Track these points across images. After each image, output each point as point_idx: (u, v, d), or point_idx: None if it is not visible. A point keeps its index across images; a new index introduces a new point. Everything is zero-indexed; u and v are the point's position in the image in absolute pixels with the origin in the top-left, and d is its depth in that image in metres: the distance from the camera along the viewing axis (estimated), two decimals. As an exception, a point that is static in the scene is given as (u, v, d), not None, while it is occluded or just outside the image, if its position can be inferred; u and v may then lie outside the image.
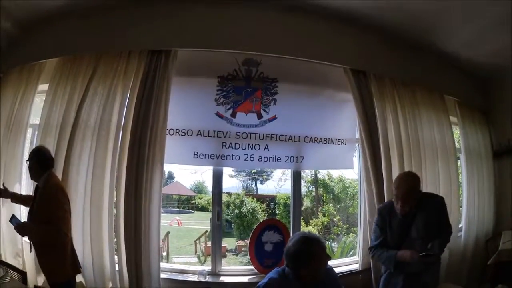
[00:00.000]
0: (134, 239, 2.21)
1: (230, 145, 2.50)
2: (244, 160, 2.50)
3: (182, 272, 2.57)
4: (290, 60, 2.59)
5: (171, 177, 7.42)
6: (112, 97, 2.39)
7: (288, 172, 3.05)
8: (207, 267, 2.62)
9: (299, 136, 2.62)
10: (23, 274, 1.97)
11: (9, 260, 2.36)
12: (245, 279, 2.53)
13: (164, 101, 2.35)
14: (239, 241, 3.07)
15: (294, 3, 2.51)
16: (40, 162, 1.90)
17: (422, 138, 2.98)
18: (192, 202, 7.52)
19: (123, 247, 2.24)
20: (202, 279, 2.45)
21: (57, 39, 2.65)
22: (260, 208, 4.12)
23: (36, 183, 1.96)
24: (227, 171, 3.27)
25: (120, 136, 2.34)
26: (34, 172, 1.91)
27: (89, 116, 2.37)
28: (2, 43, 3.04)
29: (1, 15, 2.78)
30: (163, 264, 2.69)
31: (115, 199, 2.35)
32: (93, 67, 2.47)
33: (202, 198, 7.55)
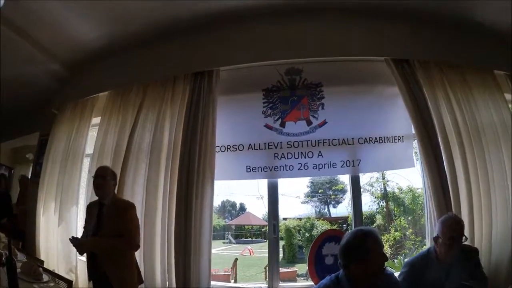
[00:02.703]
0: (183, 257, 2.17)
1: (283, 156, 2.37)
2: (298, 169, 2.36)
3: None
4: (331, 63, 2.46)
5: (242, 208, 7.58)
6: (161, 122, 2.42)
7: None
8: (264, 284, 2.48)
9: (352, 139, 2.43)
10: (69, 282, 1.96)
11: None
12: None
13: (211, 119, 2.33)
14: None
15: (325, 4, 2.39)
16: (115, 180, 1.99)
17: (480, 123, 2.64)
18: (263, 230, 7.53)
19: (173, 263, 2.22)
20: None
21: (106, 74, 2.77)
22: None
23: (90, 202, 2.04)
24: (298, 199, 3.13)
25: (171, 157, 2.33)
26: (107, 190, 1.91)
27: (142, 141, 2.41)
28: (54, 83, 3.20)
29: (49, 58, 2.93)
30: (220, 283, 2.60)
31: (167, 217, 2.32)
32: (141, 96, 2.55)
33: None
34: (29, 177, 3.46)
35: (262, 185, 2.51)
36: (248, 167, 2.37)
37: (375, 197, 3.00)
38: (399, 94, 2.47)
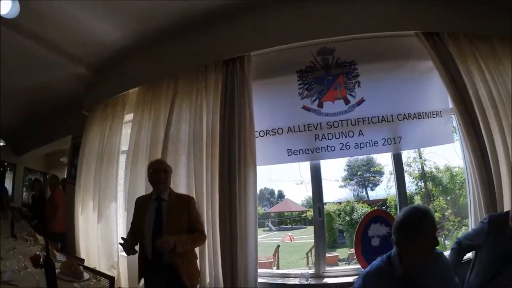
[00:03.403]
0: (229, 246, 2.13)
1: (323, 137, 2.30)
2: (340, 149, 2.29)
3: (284, 276, 2.36)
4: (363, 41, 2.38)
5: (281, 195, 7.43)
6: (198, 111, 2.37)
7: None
8: (310, 270, 2.38)
9: (391, 116, 2.34)
10: (111, 278, 1.90)
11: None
12: (350, 279, 2.24)
13: (248, 105, 2.26)
14: (351, 249, 2.79)
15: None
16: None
17: (514, 93, 2.59)
18: (303, 216, 7.44)
19: (219, 252, 2.18)
20: (304, 282, 2.23)
21: (134, 71, 2.74)
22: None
23: (140, 197, 1.97)
24: (336, 183, 3.07)
25: (211, 146, 2.28)
26: (168, 185, 1.87)
27: (179, 132, 2.37)
28: (81, 86, 3.20)
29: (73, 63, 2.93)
30: (264, 270, 2.51)
31: (211, 206, 2.27)
32: (173, 88, 2.48)
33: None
34: (65, 179, 3.46)
35: (303, 169, 2.45)
36: (289, 150, 2.30)
37: (413, 177, 2.89)
38: (432, 68, 2.40)
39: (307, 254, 5.10)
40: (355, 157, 3.22)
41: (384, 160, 2.66)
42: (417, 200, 3.49)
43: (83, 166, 2.79)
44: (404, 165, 2.71)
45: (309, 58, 2.39)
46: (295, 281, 2.27)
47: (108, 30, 2.60)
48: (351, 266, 2.47)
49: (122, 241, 1.79)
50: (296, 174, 2.72)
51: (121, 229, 2.52)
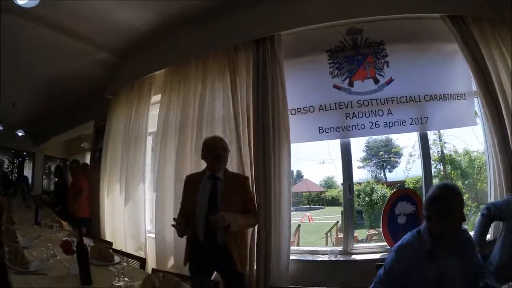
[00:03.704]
0: (264, 224, 2.10)
1: (354, 115, 2.31)
2: (370, 128, 2.30)
3: (313, 253, 2.38)
4: (390, 22, 2.38)
5: (299, 175, 7.26)
6: (230, 90, 2.34)
7: (415, 154, 2.79)
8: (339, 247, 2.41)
9: (418, 96, 2.36)
10: (141, 260, 1.90)
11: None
12: (377, 256, 2.26)
13: (281, 84, 2.26)
14: (370, 230, 2.78)
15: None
16: None
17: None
18: (322, 196, 7.40)
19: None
20: (333, 258, 2.26)
21: (161, 52, 2.71)
22: (390, 193, 3.66)
23: (190, 176, 1.89)
24: (355, 163, 3.05)
25: (246, 125, 2.27)
26: (224, 163, 1.78)
27: (213, 111, 2.35)
28: (104, 72, 3.18)
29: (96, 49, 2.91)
30: (294, 247, 2.51)
31: None
32: (202, 68, 2.47)
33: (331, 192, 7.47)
34: (87, 164, 3.41)
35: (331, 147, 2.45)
36: (320, 128, 2.30)
37: (433, 160, 2.88)
38: (457, 51, 2.42)
39: (326, 234, 5.18)
40: (374, 137, 3.21)
41: (403, 141, 2.67)
42: (436, 182, 3.47)
43: (108, 149, 2.76)
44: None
45: (339, 37, 2.39)
46: (324, 258, 2.28)
47: (133, 15, 2.59)
48: (377, 244, 2.47)
49: (174, 222, 1.66)
50: (316, 153, 2.70)
51: (149, 211, 2.50)
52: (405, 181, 2.76)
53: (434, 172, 2.86)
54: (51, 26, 2.59)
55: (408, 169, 2.84)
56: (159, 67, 2.67)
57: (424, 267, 1.19)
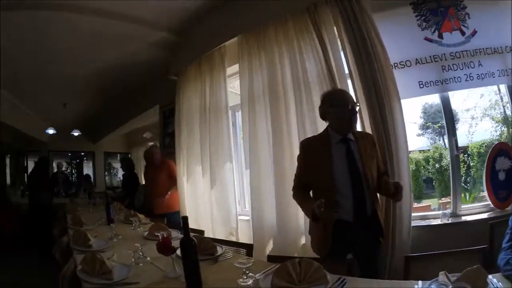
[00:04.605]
0: None
1: (450, 68, 2.23)
2: (465, 80, 2.21)
3: (423, 218, 2.27)
4: None
5: None
6: (321, 48, 2.18)
7: (478, 117, 2.72)
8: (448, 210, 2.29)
9: (501, 47, 2.32)
10: (248, 247, 1.67)
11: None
12: (485, 215, 2.18)
13: (377, 38, 2.13)
14: (442, 198, 2.65)
15: None
16: None
17: None
18: None
19: None
20: (446, 221, 2.17)
21: (230, 19, 2.49)
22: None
23: (306, 140, 1.61)
24: (414, 131, 2.93)
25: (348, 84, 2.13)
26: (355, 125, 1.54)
27: (305, 72, 2.21)
28: (165, 52, 2.90)
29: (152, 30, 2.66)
30: None
31: None
32: (282, 31, 2.31)
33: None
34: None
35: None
36: (420, 83, 2.21)
37: (496, 122, 2.84)
38: None
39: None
40: (430, 102, 3.17)
41: (461, 104, 2.64)
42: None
43: (182, 131, 2.46)
44: (489, 109, 2.73)
45: (418, -10, 2.35)
46: (436, 222, 2.16)
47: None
48: (482, 203, 2.36)
49: (318, 205, 1.26)
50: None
51: (238, 191, 2.22)
52: (467, 146, 2.69)
53: (499, 135, 2.82)
54: (99, 14, 2.32)
55: (471, 133, 2.77)
56: (229, 36, 2.47)
57: None
